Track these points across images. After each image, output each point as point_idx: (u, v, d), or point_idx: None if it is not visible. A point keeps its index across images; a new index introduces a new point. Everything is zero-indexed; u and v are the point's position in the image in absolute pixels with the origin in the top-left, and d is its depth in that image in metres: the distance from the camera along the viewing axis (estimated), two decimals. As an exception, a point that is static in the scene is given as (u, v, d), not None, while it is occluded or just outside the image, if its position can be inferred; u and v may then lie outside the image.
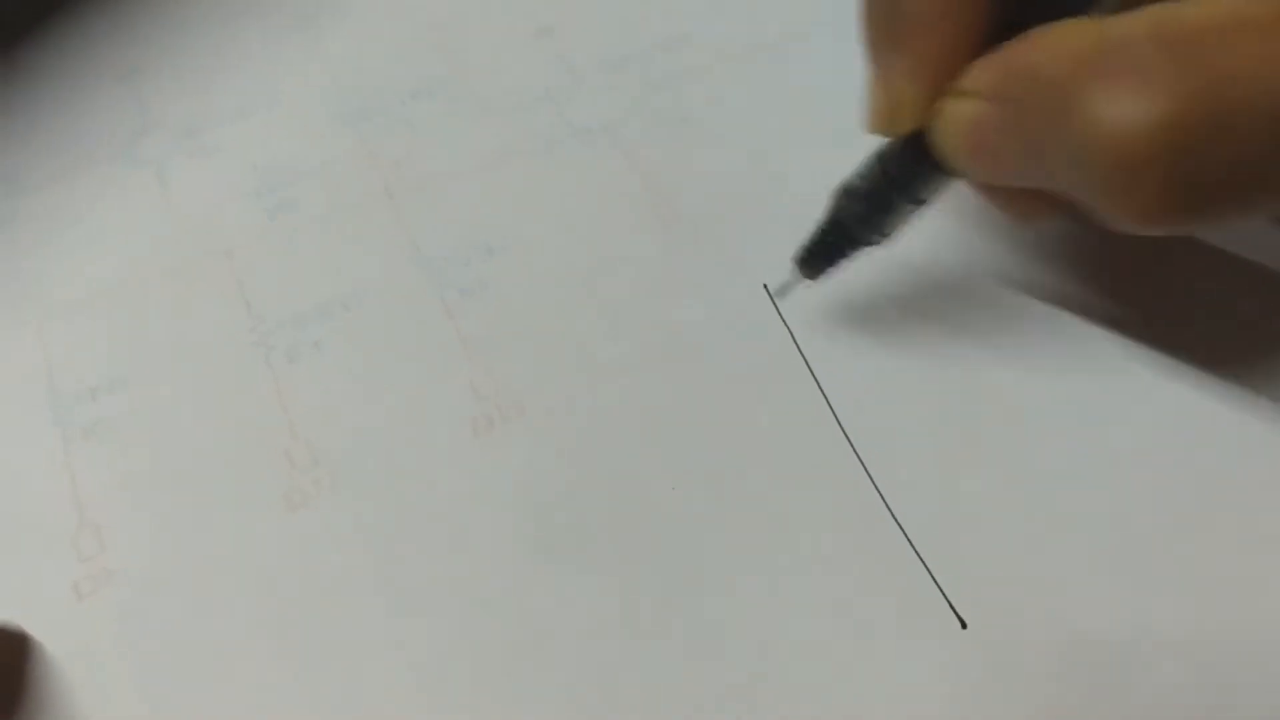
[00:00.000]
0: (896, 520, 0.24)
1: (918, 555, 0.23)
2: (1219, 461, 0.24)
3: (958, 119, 0.21)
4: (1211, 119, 0.17)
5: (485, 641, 0.23)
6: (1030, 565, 0.23)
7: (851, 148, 0.24)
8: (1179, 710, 0.21)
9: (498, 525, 0.24)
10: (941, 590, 0.23)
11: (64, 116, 0.31)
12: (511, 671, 0.23)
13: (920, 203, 0.24)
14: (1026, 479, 0.24)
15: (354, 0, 0.32)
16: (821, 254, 0.25)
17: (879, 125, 0.23)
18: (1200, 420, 0.25)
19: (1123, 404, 0.25)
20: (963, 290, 0.27)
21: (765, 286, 0.26)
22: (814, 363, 0.26)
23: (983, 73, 0.21)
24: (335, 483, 0.25)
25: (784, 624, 0.23)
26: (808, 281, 0.26)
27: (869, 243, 0.24)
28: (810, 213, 0.25)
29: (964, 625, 0.23)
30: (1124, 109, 0.18)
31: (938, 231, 0.28)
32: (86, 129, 0.30)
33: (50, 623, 0.24)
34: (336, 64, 0.31)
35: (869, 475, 0.24)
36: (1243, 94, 0.17)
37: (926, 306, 0.27)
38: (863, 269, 0.27)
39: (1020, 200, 0.24)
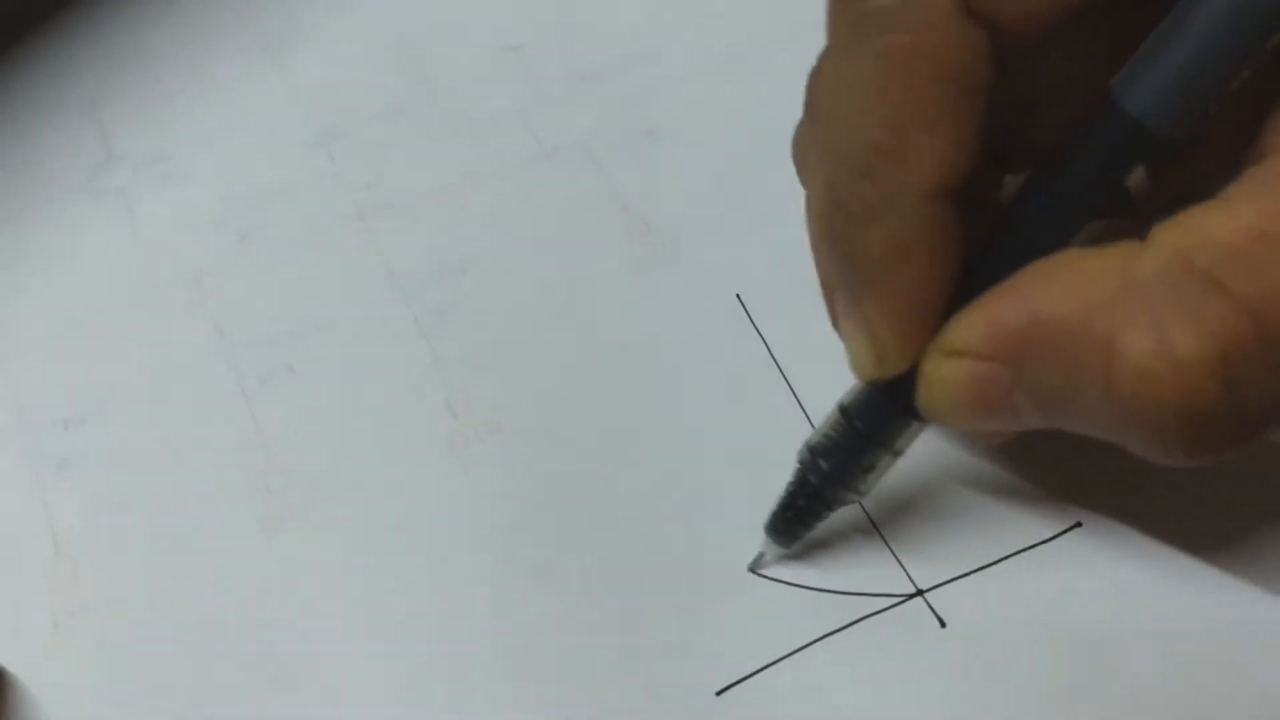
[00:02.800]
0: (873, 523, 0.24)
1: (895, 556, 0.24)
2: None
3: (950, 382, 0.20)
4: (1257, 343, 0.17)
5: (464, 660, 0.23)
6: (1007, 564, 0.23)
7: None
8: (1158, 705, 0.22)
9: (475, 543, 0.24)
10: (919, 590, 0.23)
11: (26, 149, 0.31)
12: (490, 689, 0.23)
13: (897, 454, 0.22)
14: (1005, 478, 0.24)
15: (320, 22, 0.32)
16: (795, 520, 0.23)
17: (865, 373, 0.21)
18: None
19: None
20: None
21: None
22: (789, 373, 0.26)
23: (976, 330, 0.19)
24: (311, 505, 0.25)
25: (767, 633, 0.23)
26: (782, 550, 0.24)
27: (844, 502, 0.23)
28: (779, 225, 0.26)
29: (943, 624, 0.23)
30: (1168, 351, 0.17)
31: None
32: (49, 160, 0.30)
33: (27, 655, 0.23)
34: (303, 87, 0.31)
35: (846, 481, 0.25)
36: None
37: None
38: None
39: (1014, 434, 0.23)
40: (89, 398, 0.27)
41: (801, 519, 0.23)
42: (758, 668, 0.23)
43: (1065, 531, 0.24)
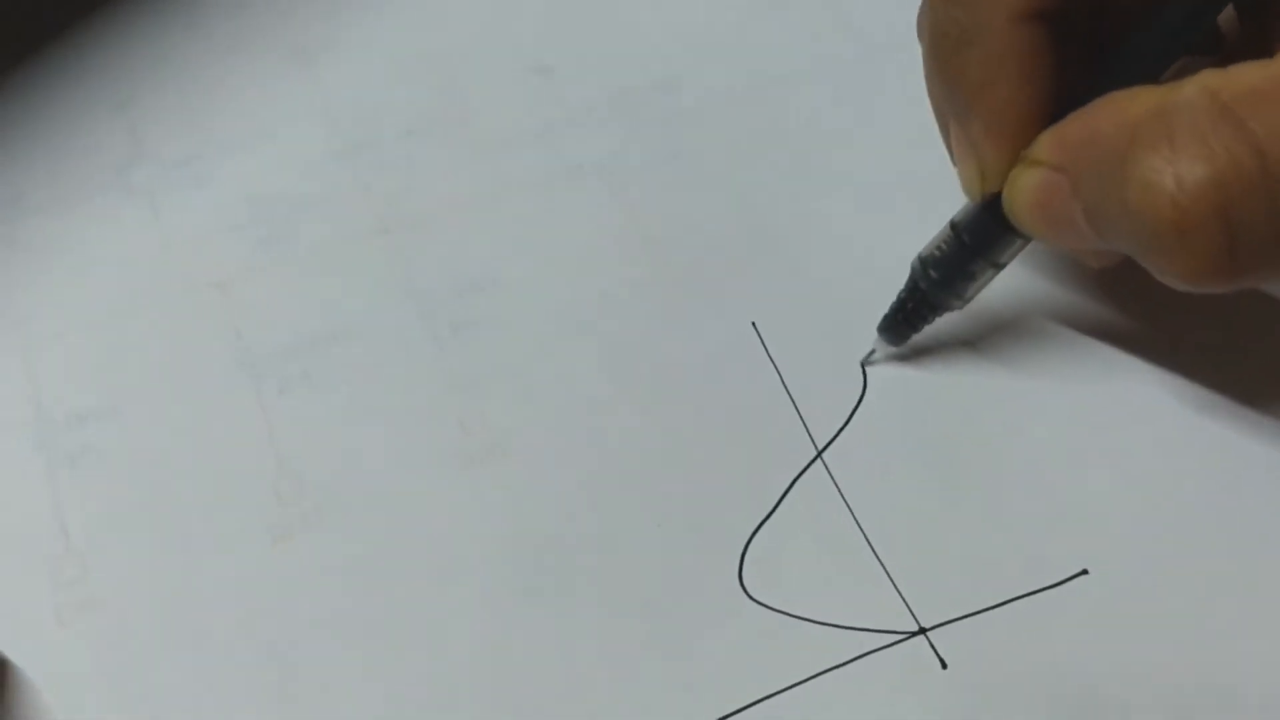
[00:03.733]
0: (879, 559, 0.24)
1: (900, 595, 0.24)
2: (1203, 506, 0.25)
3: (1025, 188, 0.22)
4: (1259, 178, 0.18)
5: (466, 676, 0.23)
6: (1011, 607, 0.23)
7: (839, 189, 0.25)
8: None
9: (483, 561, 0.24)
10: (922, 629, 0.23)
11: (57, 145, 0.31)
12: (491, 708, 0.23)
13: (998, 266, 0.24)
14: (1009, 522, 0.24)
15: (351, 36, 0.33)
16: (904, 321, 0.26)
17: (972, 189, 0.24)
18: (1187, 453, 0.25)
19: (1104, 447, 0.25)
20: (952, 325, 0.27)
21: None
22: (800, 404, 0.26)
23: (1049, 142, 0.21)
24: (321, 515, 0.25)
25: (768, 663, 0.23)
26: (892, 349, 0.27)
27: (949, 308, 0.26)
28: (798, 255, 0.26)
29: (944, 666, 0.23)
30: (1174, 171, 0.18)
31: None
32: (79, 156, 0.30)
33: (31, 648, 0.24)
34: (332, 99, 0.31)
35: (852, 514, 0.25)
36: None
37: (911, 342, 0.27)
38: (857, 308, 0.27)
39: (1093, 254, 0.25)
40: (105, 393, 0.27)
41: (910, 321, 0.26)
42: (758, 698, 0.23)
43: (1071, 578, 0.24)
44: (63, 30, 0.32)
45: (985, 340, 0.27)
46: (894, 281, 0.26)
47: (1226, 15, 0.20)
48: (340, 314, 0.28)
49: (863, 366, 0.26)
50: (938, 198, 0.26)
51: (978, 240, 0.24)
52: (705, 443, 0.26)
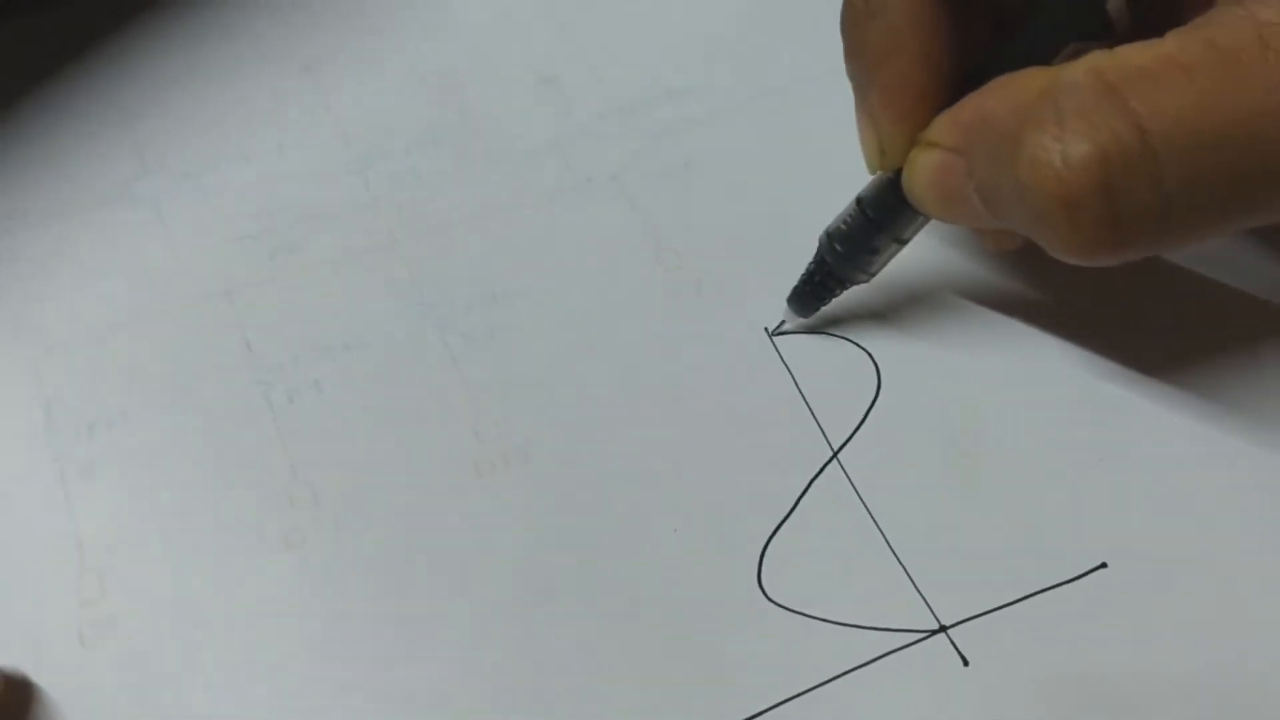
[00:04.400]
0: (898, 559, 0.24)
1: (920, 594, 0.24)
2: (1218, 499, 0.25)
3: (923, 168, 0.23)
4: (1140, 154, 0.19)
5: (483, 683, 0.23)
6: (1031, 602, 0.24)
7: (847, 194, 0.25)
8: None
9: (499, 568, 0.24)
10: (943, 626, 0.23)
11: (66, 159, 0.31)
12: (509, 715, 0.23)
13: (901, 241, 0.25)
14: (1026, 517, 0.25)
15: (361, 48, 0.33)
16: (811, 293, 0.27)
17: (871, 162, 0.25)
18: (1207, 447, 0.26)
19: (1122, 440, 0.26)
20: (962, 322, 0.27)
21: (765, 330, 0.27)
22: (816, 408, 0.26)
23: (945, 124, 0.22)
24: (336, 523, 0.25)
25: (789, 665, 0.23)
26: (801, 319, 0.27)
27: (854, 281, 0.26)
28: (810, 256, 0.26)
29: (966, 663, 0.23)
30: (1061, 149, 0.19)
31: (940, 268, 0.28)
32: (87, 171, 0.30)
33: (55, 668, 0.23)
34: (340, 112, 0.31)
35: (870, 515, 0.25)
36: (1166, 130, 0.19)
37: (924, 341, 0.27)
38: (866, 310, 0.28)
39: (991, 234, 0.26)
40: (116, 404, 0.27)
41: (817, 293, 0.27)
42: (779, 700, 0.23)
43: (1090, 572, 0.24)
44: (75, 50, 0.32)
45: (981, 337, 0.27)
46: (907, 285, 0.26)
47: (1116, 4, 0.21)
48: (351, 324, 0.28)
49: (769, 336, 0.27)
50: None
51: (881, 215, 0.25)
52: (721, 447, 0.26)
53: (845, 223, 0.25)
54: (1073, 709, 0.22)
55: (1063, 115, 0.19)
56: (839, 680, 0.23)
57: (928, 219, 0.25)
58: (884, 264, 0.26)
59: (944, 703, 0.23)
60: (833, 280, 0.26)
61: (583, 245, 0.29)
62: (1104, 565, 0.24)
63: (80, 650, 0.24)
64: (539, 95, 0.32)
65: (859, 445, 0.26)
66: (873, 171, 0.25)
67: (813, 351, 0.27)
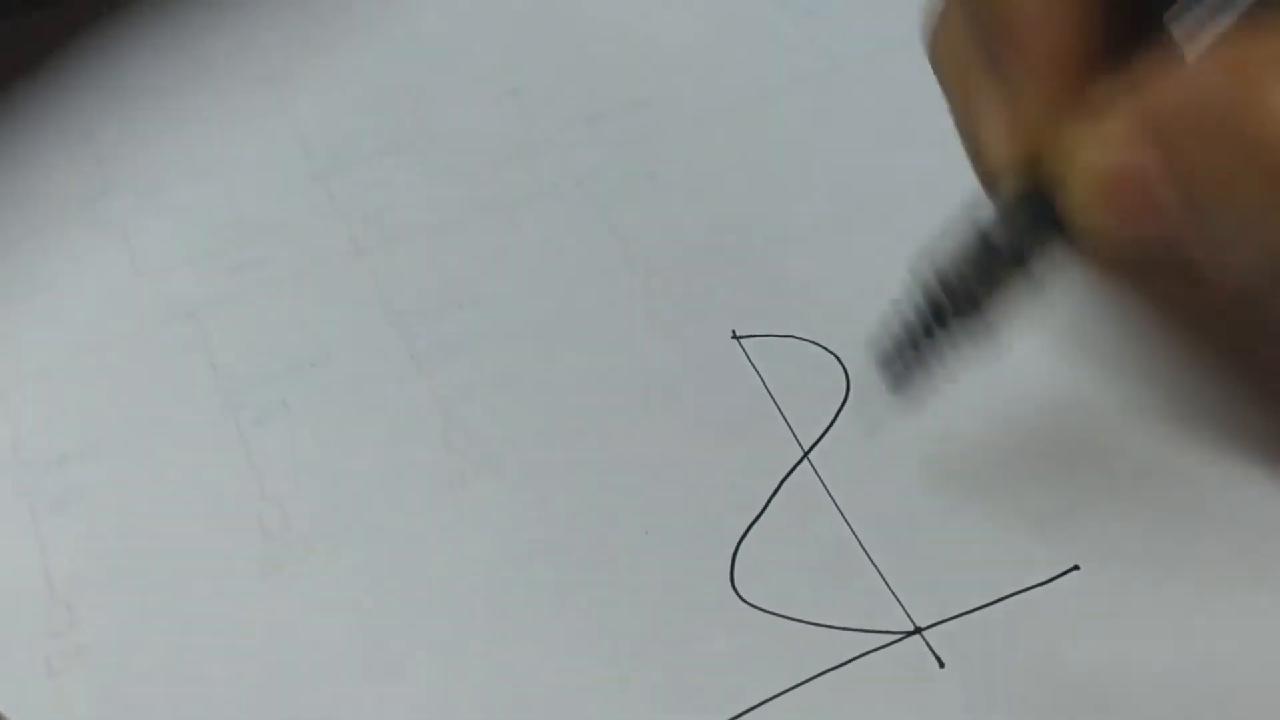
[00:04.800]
0: (871, 560, 0.24)
1: (894, 596, 0.24)
2: (1202, 494, 0.25)
3: (1095, 170, 0.17)
4: None
5: (464, 697, 0.23)
6: (1006, 604, 0.24)
7: (814, 199, 0.25)
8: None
9: (475, 582, 0.24)
10: (918, 628, 0.23)
11: (25, 179, 0.30)
12: (496, 728, 0.23)
13: (1032, 274, 0.19)
14: (999, 518, 0.25)
15: (320, 59, 0.32)
16: (911, 354, 0.21)
17: (1000, 155, 0.19)
18: (1178, 447, 0.25)
19: (1093, 442, 0.26)
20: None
21: (733, 333, 0.27)
22: (786, 410, 0.26)
23: (1127, 111, 0.17)
24: (309, 544, 0.25)
25: (764, 667, 0.23)
26: (903, 392, 0.22)
27: (970, 328, 0.20)
28: (777, 266, 0.26)
29: (941, 665, 0.23)
30: None
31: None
32: (46, 191, 0.30)
33: (23, 701, 0.23)
34: (302, 123, 0.31)
35: (843, 515, 0.25)
36: None
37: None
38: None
39: (1142, 275, 0.20)
40: (84, 434, 0.27)
41: (920, 353, 0.20)
42: (754, 704, 0.23)
43: (1062, 574, 0.24)
44: (30, 64, 0.32)
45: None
46: (872, 287, 0.26)
47: None
48: (317, 339, 0.28)
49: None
50: (912, 205, 0.26)
51: (1012, 242, 0.19)
52: (691, 450, 0.26)
53: (957, 254, 0.20)
54: (1048, 709, 0.22)
55: None
56: (815, 681, 0.23)
57: (1069, 241, 0.18)
58: (1012, 309, 0.20)
59: (921, 704, 0.23)
60: (940, 336, 0.20)
61: (549, 253, 0.29)
62: (1076, 568, 0.24)
63: (48, 680, 0.24)
64: (503, 105, 0.31)
65: (829, 445, 0.26)
66: (996, 175, 0.19)
67: (781, 355, 0.27)
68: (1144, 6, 0.18)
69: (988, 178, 0.19)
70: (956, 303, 0.20)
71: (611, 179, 0.30)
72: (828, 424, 0.26)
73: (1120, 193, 0.17)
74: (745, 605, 0.24)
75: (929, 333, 0.20)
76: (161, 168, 0.31)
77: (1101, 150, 0.17)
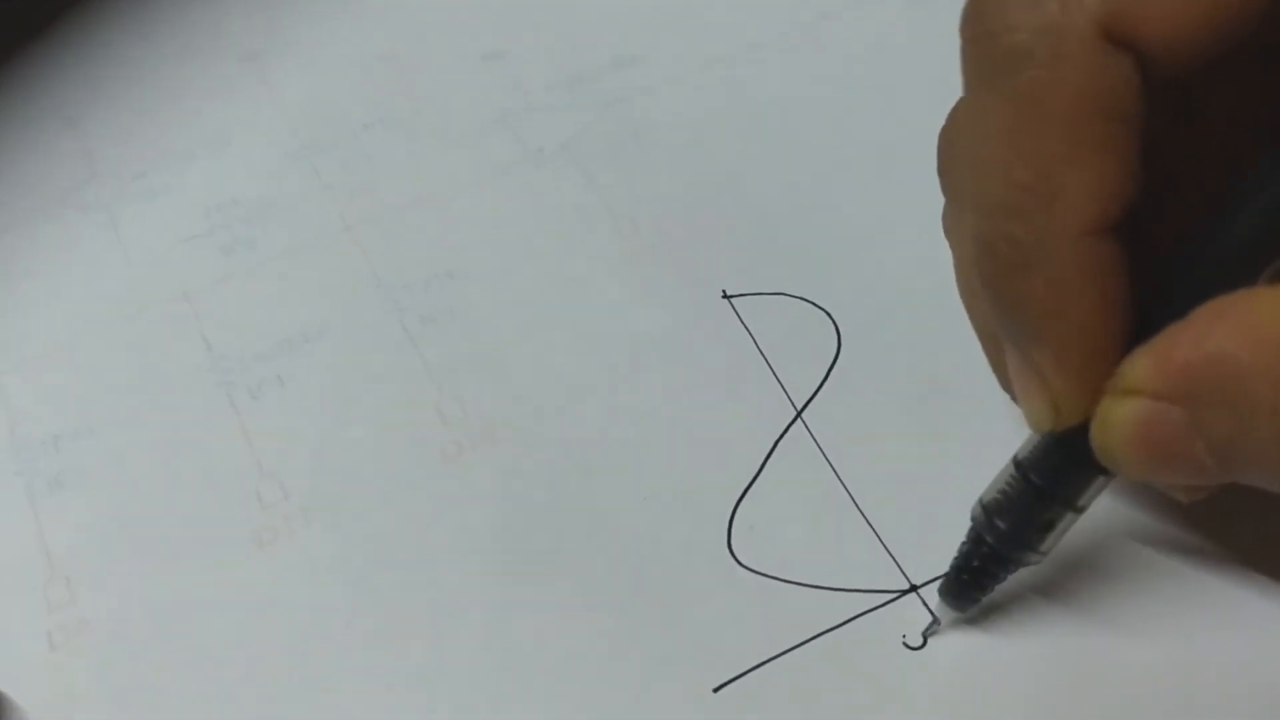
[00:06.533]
0: (867, 519, 0.24)
1: (890, 554, 0.24)
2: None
3: (1124, 422, 0.18)
4: None
5: (461, 666, 0.23)
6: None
7: (801, 154, 0.25)
8: (1157, 687, 0.22)
9: (472, 550, 0.24)
10: (914, 586, 0.23)
11: (9, 167, 0.31)
12: (488, 694, 0.23)
13: (1078, 510, 0.21)
14: (994, 470, 0.24)
15: (301, 34, 0.32)
16: (971, 582, 0.22)
17: (1041, 423, 0.20)
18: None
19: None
20: (921, 276, 0.27)
21: (723, 293, 0.27)
22: (779, 369, 0.26)
23: (1149, 369, 0.18)
24: (306, 517, 0.25)
25: (763, 629, 0.23)
26: (958, 615, 0.23)
27: (1024, 563, 0.22)
28: (764, 224, 0.26)
29: (938, 621, 0.23)
30: None
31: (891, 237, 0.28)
32: (33, 178, 0.30)
33: (23, 675, 0.23)
34: (286, 99, 0.31)
35: (837, 475, 0.25)
36: None
37: (883, 297, 0.27)
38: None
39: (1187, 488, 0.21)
40: (80, 414, 0.27)
41: (978, 581, 0.22)
42: (755, 664, 0.23)
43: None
44: (8, 51, 0.32)
45: (940, 291, 0.26)
46: (862, 241, 0.26)
47: None
48: (309, 315, 0.28)
49: (924, 636, 0.23)
50: (900, 157, 0.25)
51: (1053, 482, 0.20)
52: (685, 414, 0.26)
53: (1004, 492, 0.21)
54: (1045, 662, 0.22)
55: None
56: (813, 642, 0.23)
57: (1110, 478, 0.20)
58: (1059, 538, 0.21)
59: (919, 661, 0.22)
60: (995, 564, 0.21)
61: (537, 218, 0.29)
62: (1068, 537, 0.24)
63: (49, 654, 0.24)
64: (485, 70, 0.31)
65: (822, 403, 0.26)
66: (1041, 431, 0.20)
67: (772, 313, 0.27)
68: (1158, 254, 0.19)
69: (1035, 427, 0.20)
70: (1009, 541, 0.21)
71: (596, 141, 0.30)
72: (820, 382, 0.26)
73: (1148, 446, 0.18)
74: (742, 569, 0.24)
75: (986, 567, 0.22)
76: (148, 151, 0.31)
77: (1127, 407, 0.18)
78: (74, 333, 0.28)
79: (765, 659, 0.23)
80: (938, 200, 0.27)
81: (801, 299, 0.27)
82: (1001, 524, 0.21)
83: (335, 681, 0.23)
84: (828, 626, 0.23)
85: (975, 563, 0.22)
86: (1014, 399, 0.21)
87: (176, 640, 0.24)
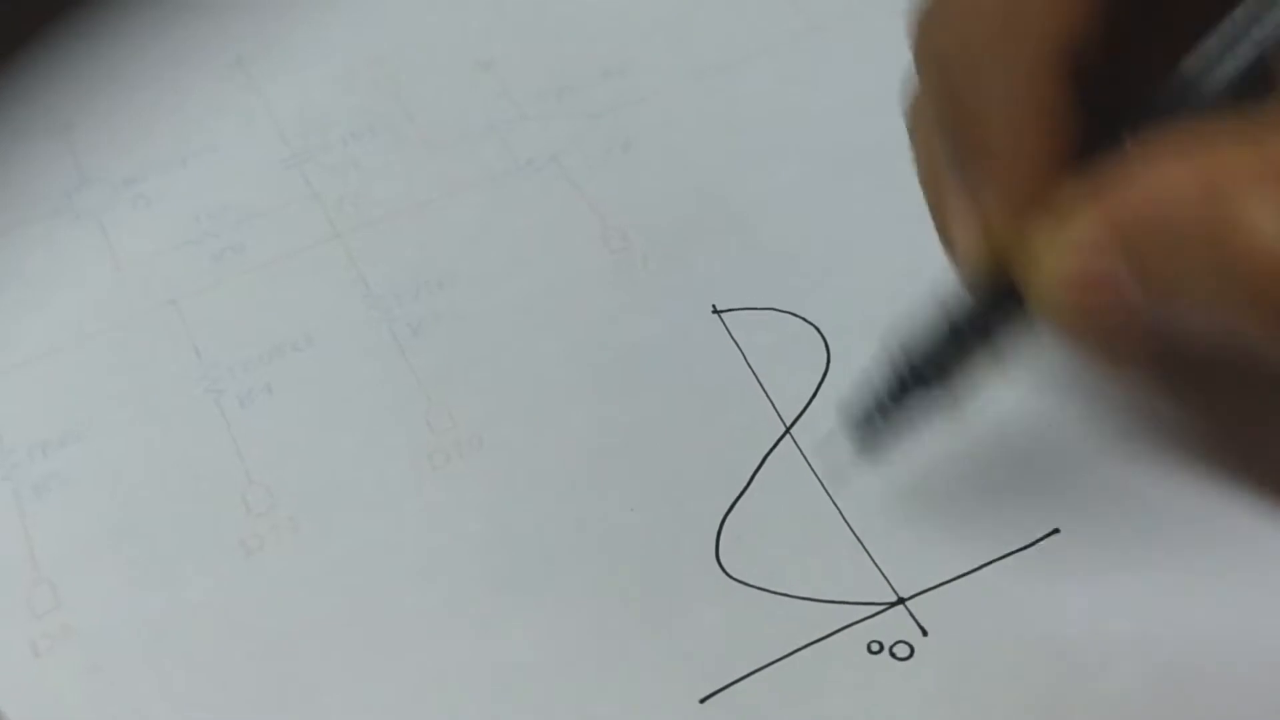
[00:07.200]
0: (854, 532, 0.24)
1: (877, 567, 0.24)
2: (1164, 462, 0.25)
3: (1061, 270, 0.18)
4: None
5: (449, 674, 0.23)
6: (988, 570, 0.24)
7: (792, 165, 0.25)
8: (1138, 711, 0.22)
9: (459, 560, 0.24)
10: (901, 599, 0.23)
11: (1, 174, 0.31)
12: (480, 706, 0.23)
13: (994, 352, 0.21)
14: (979, 485, 0.25)
15: (292, 42, 0.32)
16: (882, 424, 0.22)
17: (969, 257, 0.20)
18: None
19: (1077, 403, 0.25)
20: (909, 295, 0.27)
21: (713, 307, 0.27)
22: (767, 383, 0.26)
23: (1093, 217, 0.17)
24: (293, 526, 0.25)
25: (750, 640, 0.23)
26: (870, 454, 0.23)
27: (938, 402, 0.22)
28: (755, 237, 0.26)
29: (925, 633, 0.23)
30: None
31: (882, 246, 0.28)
32: (22, 185, 0.30)
33: (7, 681, 0.23)
34: (275, 107, 0.31)
35: (824, 488, 0.25)
36: None
37: (871, 314, 0.27)
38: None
39: (1125, 360, 0.20)
40: (68, 421, 0.27)
41: (892, 419, 0.22)
42: (742, 675, 0.23)
43: (1043, 538, 0.24)
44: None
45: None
46: (852, 256, 0.26)
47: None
48: (298, 322, 0.28)
49: (840, 473, 0.24)
50: (890, 170, 0.25)
51: (976, 326, 0.20)
52: (674, 426, 0.26)
53: (925, 332, 0.21)
54: (1031, 673, 0.22)
55: None
56: (800, 653, 0.23)
57: (1031, 327, 0.20)
58: (978, 388, 0.21)
59: (906, 673, 0.23)
60: (910, 402, 0.22)
61: (526, 228, 0.29)
62: (1057, 531, 0.24)
63: (33, 660, 0.24)
64: (475, 80, 0.31)
65: (811, 420, 0.26)
66: (967, 267, 0.20)
67: (761, 328, 0.27)
68: (1111, 103, 0.19)
69: (955, 264, 0.20)
70: (924, 375, 0.21)
71: (586, 152, 0.30)
72: (809, 398, 0.26)
73: (1088, 297, 0.18)
74: (730, 580, 0.24)
75: (897, 401, 0.22)
76: (137, 158, 0.31)
77: (1069, 256, 0.18)
78: (63, 339, 0.28)
79: (752, 670, 0.23)
80: (929, 216, 0.27)
81: (791, 314, 0.27)
82: (919, 363, 0.21)
83: (322, 690, 0.23)
84: (815, 638, 0.23)
85: (890, 400, 0.22)
86: (950, 251, 0.21)
87: (161, 648, 0.24)
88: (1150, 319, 0.17)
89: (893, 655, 0.23)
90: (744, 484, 0.25)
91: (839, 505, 0.24)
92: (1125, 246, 0.17)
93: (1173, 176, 0.17)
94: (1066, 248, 0.18)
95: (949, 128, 0.20)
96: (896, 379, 0.22)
